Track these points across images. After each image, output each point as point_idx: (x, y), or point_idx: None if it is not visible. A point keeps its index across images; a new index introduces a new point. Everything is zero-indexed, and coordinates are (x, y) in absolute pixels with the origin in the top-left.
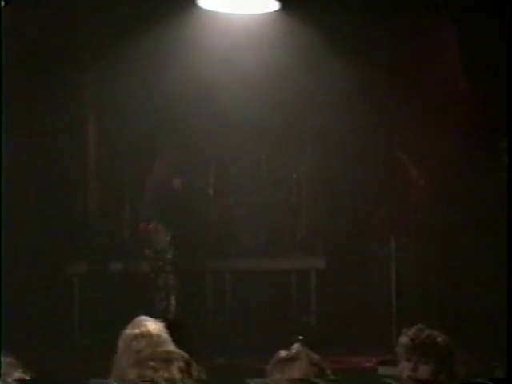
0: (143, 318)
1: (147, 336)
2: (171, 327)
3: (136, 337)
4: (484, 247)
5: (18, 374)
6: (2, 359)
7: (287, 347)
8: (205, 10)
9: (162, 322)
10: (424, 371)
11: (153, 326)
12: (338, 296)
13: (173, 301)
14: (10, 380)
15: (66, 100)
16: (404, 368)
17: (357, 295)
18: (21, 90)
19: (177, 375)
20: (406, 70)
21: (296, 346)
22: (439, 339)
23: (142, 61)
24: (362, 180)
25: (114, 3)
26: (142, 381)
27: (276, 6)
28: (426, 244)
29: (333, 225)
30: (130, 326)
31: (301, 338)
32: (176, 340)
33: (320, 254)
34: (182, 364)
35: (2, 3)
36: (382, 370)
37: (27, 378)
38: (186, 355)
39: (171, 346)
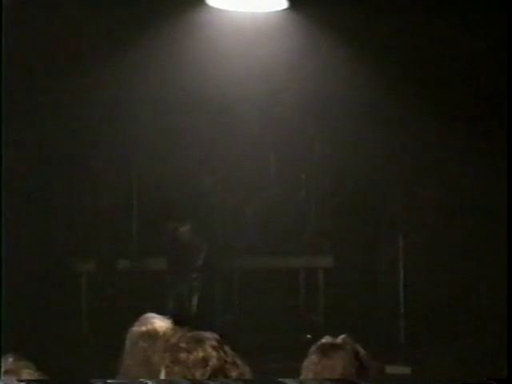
0: (151, 315)
1: (154, 334)
2: (179, 324)
3: (142, 335)
4: (488, 247)
5: (28, 372)
6: (16, 362)
7: (295, 346)
8: (214, 8)
9: (169, 319)
10: None
11: (160, 323)
12: (345, 295)
13: (182, 298)
14: (15, 380)
15: (75, 99)
16: None
17: (364, 294)
18: (25, 87)
19: (212, 353)
20: (414, 67)
21: (344, 336)
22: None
23: (150, 59)
24: (370, 179)
25: (122, 2)
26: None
27: (284, 4)
28: (433, 243)
29: (341, 224)
30: (136, 324)
31: (309, 336)
32: None
33: (328, 252)
34: (214, 343)
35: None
36: (390, 369)
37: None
38: (216, 335)
39: None
